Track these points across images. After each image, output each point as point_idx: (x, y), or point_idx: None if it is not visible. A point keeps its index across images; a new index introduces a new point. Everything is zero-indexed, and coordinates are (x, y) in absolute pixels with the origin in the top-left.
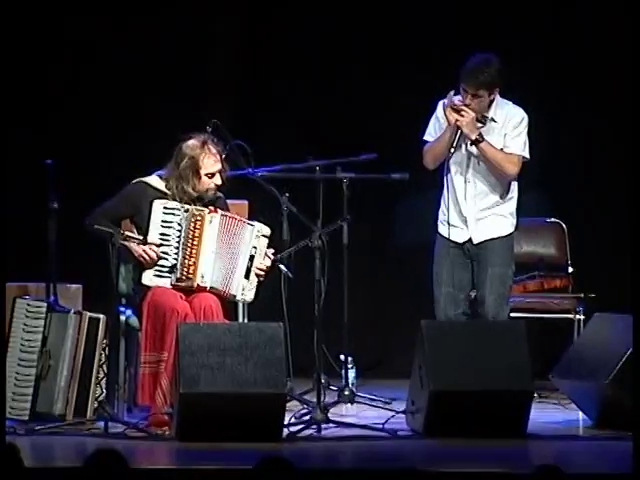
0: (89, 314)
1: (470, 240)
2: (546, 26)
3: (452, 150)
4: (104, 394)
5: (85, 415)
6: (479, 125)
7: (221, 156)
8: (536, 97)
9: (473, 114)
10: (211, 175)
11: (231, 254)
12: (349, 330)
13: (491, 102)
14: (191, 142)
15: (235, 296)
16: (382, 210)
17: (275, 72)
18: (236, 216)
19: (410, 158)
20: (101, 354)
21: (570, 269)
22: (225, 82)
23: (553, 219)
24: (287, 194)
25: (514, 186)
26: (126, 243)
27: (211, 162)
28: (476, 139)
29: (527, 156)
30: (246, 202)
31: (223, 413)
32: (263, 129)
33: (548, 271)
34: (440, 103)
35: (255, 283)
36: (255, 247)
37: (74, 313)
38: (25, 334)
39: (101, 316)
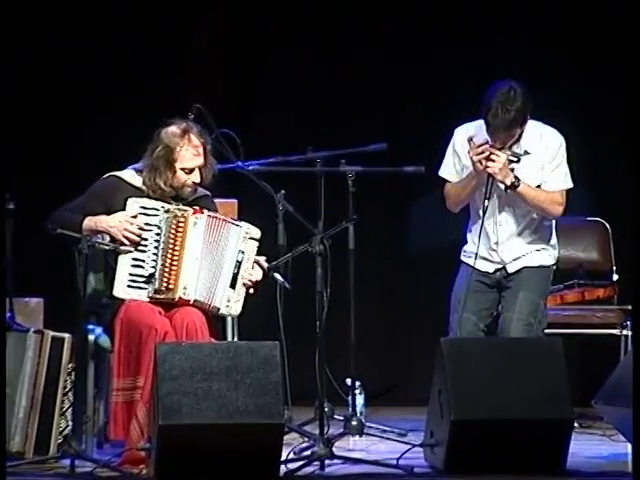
0: (52, 333)
1: (504, 268)
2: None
3: (487, 203)
4: (70, 427)
5: (47, 452)
6: (512, 165)
7: (205, 149)
8: (579, 90)
9: (504, 156)
10: (188, 171)
11: (216, 260)
12: (356, 350)
13: (521, 133)
14: (171, 129)
15: (219, 309)
16: (394, 209)
17: (269, 49)
18: (221, 216)
19: (425, 148)
20: (66, 380)
21: (615, 276)
22: (209, 61)
23: (595, 218)
24: (283, 191)
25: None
26: (103, 227)
27: (189, 155)
28: (512, 184)
29: (571, 185)
30: (235, 201)
31: (209, 448)
32: (254, 115)
33: (589, 279)
34: (456, 132)
35: (243, 294)
36: (242, 251)
37: (34, 332)
38: None
39: (66, 335)
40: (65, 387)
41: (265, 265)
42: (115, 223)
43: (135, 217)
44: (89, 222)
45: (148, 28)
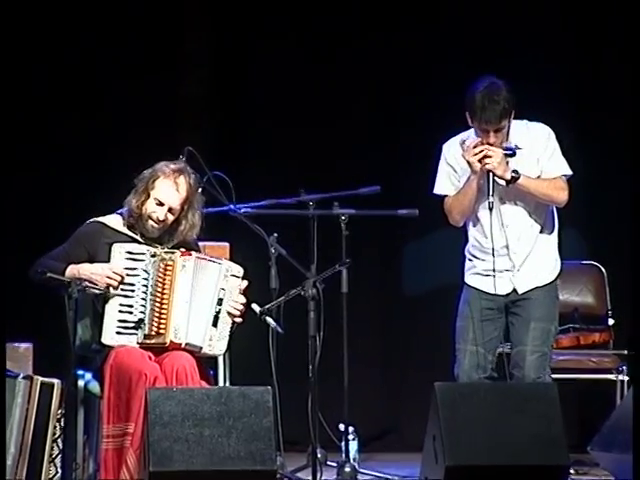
0: (41, 379)
1: (514, 291)
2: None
3: (491, 199)
4: (59, 474)
5: None
6: (508, 160)
7: (187, 197)
8: (573, 126)
9: (501, 151)
10: (158, 202)
11: (199, 299)
12: (350, 395)
13: (508, 131)
14: (169, 163)
15: (201, 348)
16: (387, 253)
17: (261, 91)
18: (206, 256)
19: (419, 191)
20: (55, 426)
21: (611, 321)
22: (200, 102)
23: (590, 262)
24: (275, 234)
25: (555, 213)
26: (85, 275)
27: (166, 188)
28: (512, 177)
29: (570, 172)
30: (227, 244)
31: None
32: (246, 158)
33: (585, 323)
34: (445, 147)
35: (226, 331)
36: (223, 289)
37: (23, 378)
38: None
39: (55, 381)
40: (54, 434)
41: (246, 283)
42: (97, 270)
43: (120, 284)
44: (72, 270)
45: (137, 72)
